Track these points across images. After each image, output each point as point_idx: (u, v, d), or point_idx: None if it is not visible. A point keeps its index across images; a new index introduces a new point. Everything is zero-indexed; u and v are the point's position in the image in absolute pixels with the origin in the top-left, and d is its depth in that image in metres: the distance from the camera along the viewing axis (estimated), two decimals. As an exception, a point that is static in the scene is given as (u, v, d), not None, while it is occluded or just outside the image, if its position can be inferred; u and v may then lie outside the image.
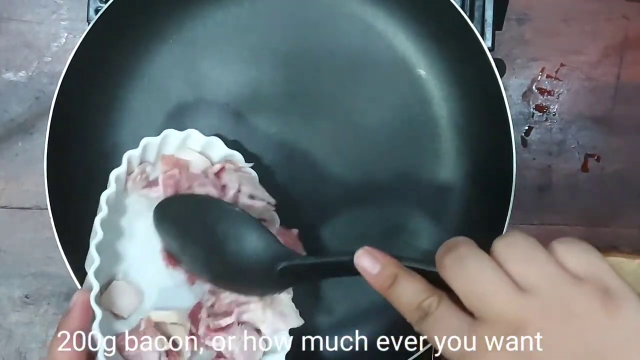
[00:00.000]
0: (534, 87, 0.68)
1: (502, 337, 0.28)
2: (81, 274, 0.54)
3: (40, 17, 0.67)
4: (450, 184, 0.60)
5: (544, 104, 0.68)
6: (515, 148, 0.54)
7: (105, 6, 0.54)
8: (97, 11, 0.57)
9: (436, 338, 0.30)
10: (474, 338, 0.28)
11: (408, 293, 0.31)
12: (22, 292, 0.67)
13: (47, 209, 0.54)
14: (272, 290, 0.47)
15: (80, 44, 0.54)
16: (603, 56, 0.68)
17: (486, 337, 0.28)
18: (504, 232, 0.54)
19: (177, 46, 0.60)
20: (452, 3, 0.54)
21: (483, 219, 0.58)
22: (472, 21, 0.57)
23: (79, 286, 0.54)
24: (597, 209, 0.68)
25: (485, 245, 0.32)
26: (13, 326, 0.67)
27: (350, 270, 0.35)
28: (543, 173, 0.68)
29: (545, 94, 0.68)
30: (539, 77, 0.68)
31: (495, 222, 0.55)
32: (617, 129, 0.68)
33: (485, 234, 0.55)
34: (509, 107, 0.54)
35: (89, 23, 0.55)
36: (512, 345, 0.27)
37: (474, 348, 0.28)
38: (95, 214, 0.59)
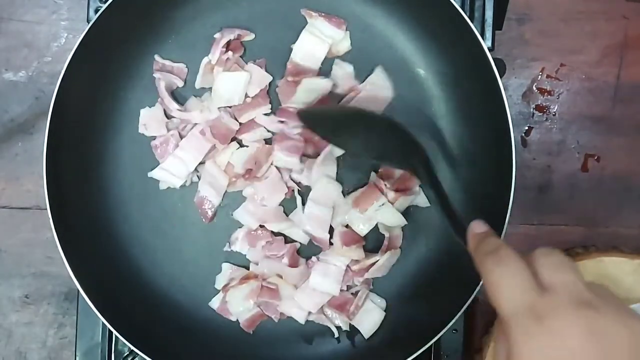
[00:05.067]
0: (534, 87, 0.68)
1: (573, 302, 0.34)
2: (81, 274, 0.54)
3: (40, 17, 0.67)
4: (450, 184, 0.60)
5: (544, 104, 0.68)
6: (515, 148, 0.54)
7: (105, 6, 0.54)
8: (97, 11, 0.57)
9: (501, 278, 0.36)
10: (548, 296, 0.35)
11: (493, 241, 0.40)
12: (22, 292, 0.67)
13: (47, 209, 0.54)
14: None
15: (80, 43, 0.54)
16: (603, 56, 0.68)
17: (559, 299, 0.34)
18: (503, 232, 0.54)
19: (177, 46, 0.61)
20: (452, 3, 0.54)
21: (483, 218, 0.57)
22: (472, 21, 0.57)
23: (79, 286, 0.54)
24: (597, 209, 0.68)
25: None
26: (13, 326, 0.67)
27: (451, 216, 0.48)
28: (543, 173, 0.68)
29: (545, 94, 0.68)
30: (539, 77, 0.68)
31: (495, 222, 0.54)
32: (617, 129, 0.68)
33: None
34: (509, 107, 0.54)
35: (88, 23, 0.55)
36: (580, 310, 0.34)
37: (545, 304, 0.34)
38: (94, 215, 0.59)
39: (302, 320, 0.59)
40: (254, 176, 0.59)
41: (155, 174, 0.59)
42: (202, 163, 0.60)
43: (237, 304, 0.59)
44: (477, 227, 0.43)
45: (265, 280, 0.59)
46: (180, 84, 0.60)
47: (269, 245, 0.59)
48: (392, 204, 0.59)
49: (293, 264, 0.59)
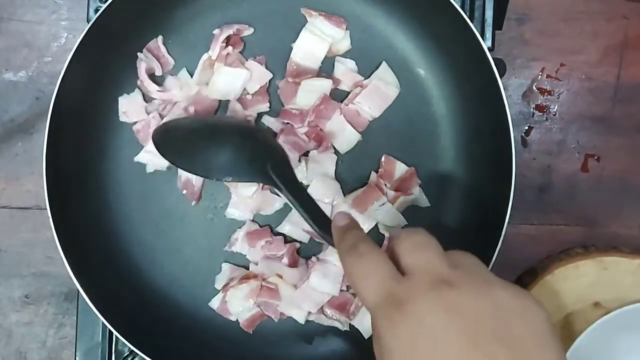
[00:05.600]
0: (534, 87, 0.68)
1: (431, 283, 0.34)
2: (81, 274, 0.54)
3: (40, 17, 0.67)
4: (450, 184, 0.60)
5: (544, 104, 0.68)
6: (515, 148, 0.54)
7: (105, 6, 0.54)
8: (97, 11, 0.57)
9: (360, 271, 0.36)
10: (405, 282, 0.35)
11: (353, 235, 0.39)
12: (22, 292, 0.67)
13: (47, 209, 0.54)
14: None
15: (80, 43, 0.54)
16: (603, 56, 0.68)
17: (417, 282, 0.34)
18: (503, 232, 0.54)
19: (177, 46, 0.61)
20: (452, 3, 0.54)
21: (483, 219, 0.58)
22: (472, 21, 0.57)
23: (78, 286, 0.54)
24: (597, 208, 0.68)
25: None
26: (13, 326, 0.67)
27: (313, 213, 0.47)
28: (543, 173, 0.68)
29: (545, 94, 0.68)
30: (539, 77, 0.68)
31: (495, 222, 0.55)
32: (617, 129, 0.68)
33: (484, 234, 0.55)
34: (509, 107, 0.54)
35: (88, 23, 0.55)
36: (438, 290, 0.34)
37: (404, 289, 0.34)
38: (94, 214, 0.59)
39: (302, 320, 0.59)
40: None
41: (140, 157, 0.59)
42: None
43: (237, 304, 0.59)
44: (340, 220, 0.42)
45: (265, 280, 0.59)
46: (159, 72, 0.60)
47: (269, 245, 0.59)
48: (392, 204, 0.59)
49: (293, 264, 0.59)
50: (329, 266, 0.58)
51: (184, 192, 0.60)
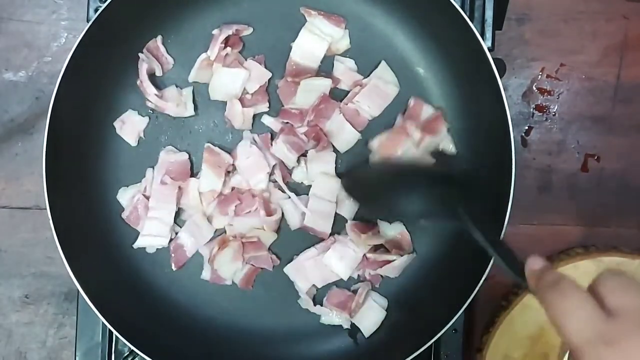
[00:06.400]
0: (534, 87, 0.68)
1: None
2: (81, 274, 0.54)
3: (40, 17, 0.67)
4: (449, 184, 0.60)
5: (544, 104, 0.68)
6: (515, 148, 0.54)
7: (104, 6, 0.54)
8: (97, 11, 0.57)
9: (566, 311, 0.36)
10: (615, 321, 0.35)
11: (553, 275, 0.40)
12: (22, 292, 0.67)
13: (47, 209, 0.54)
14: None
15: (79, 43, 0.54)
16: (603, 56, 0.68)
17: (627, 323, 0.35)
18: (503, 232, 0.54)
19: (176, 46, 0.61)
20: (452, 3, 0.54)
21: (483, 219, 0.57)
22: (472, 21, 0.57)
23: (78, 286, 0.54)
24: (597, 209, 0.68)
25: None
26: (13, 326, 0.67)
27: (507, 258, 0.45)
28: (543, 173, 0.68)
29: (545, 94, 0.68)
30: (539, 77, 0.68)
31: (495, 222, 0.55)
32: (617, 129, 0.68)
33: (484, 234, 0.55)
34: (509, 107, 0.54)
35: (88, 23, 0.55)
36: None
37: (613, 329, 0.35)
38: (94, 215, 0.59)
39: (303, 292, 0.60)
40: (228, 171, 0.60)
41: (139, 243, 0.59)
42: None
43: (226, 269, 0.59)
44: (534, 264, 0.43)
45: (244, 237, 0.59)
46: (159, 73, 0.60)
47: (240, 204, 0.59)
48: (417, 145, 0.59)
49: (269, 213, 0.59)
50: (347, 250, 0.59)
51: (172, 255, 0.60)
